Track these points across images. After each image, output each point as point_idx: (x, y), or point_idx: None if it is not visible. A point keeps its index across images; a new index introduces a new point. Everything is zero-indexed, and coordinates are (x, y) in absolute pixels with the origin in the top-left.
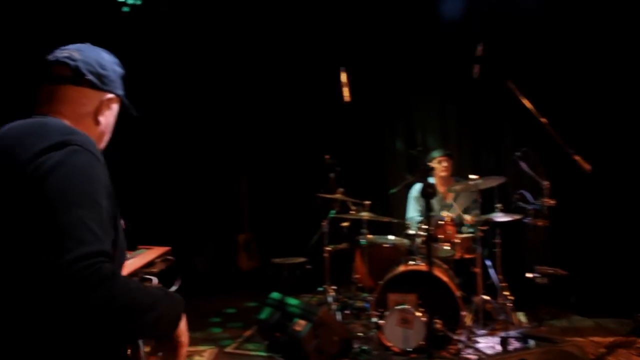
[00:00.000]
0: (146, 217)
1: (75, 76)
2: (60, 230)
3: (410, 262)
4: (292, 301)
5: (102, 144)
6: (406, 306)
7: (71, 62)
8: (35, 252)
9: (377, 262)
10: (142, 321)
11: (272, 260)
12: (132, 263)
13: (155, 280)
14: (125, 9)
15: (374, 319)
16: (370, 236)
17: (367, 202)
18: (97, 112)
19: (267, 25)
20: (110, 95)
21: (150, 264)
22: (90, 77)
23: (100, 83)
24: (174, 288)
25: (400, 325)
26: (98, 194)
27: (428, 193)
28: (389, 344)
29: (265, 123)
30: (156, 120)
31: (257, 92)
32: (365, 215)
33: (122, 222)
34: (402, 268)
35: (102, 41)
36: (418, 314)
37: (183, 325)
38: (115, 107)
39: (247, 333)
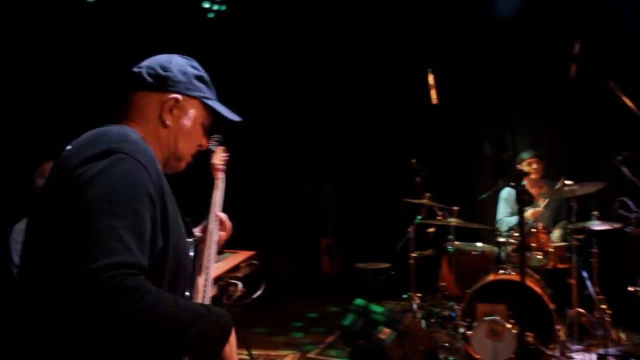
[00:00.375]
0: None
1: (137, 81)
2: (90, 239)
3: (500, 271)
4: (377, 308)
5: (180, 149)
6: (496, 317)
7: (136, 69)
8: (69, 260)
9: (464, 270)
10: (174, 338)
11: (356, 265)
12: (217, 267)
13: (240, 284)
14: (211, 14)
15: (462, 330)
16: (457, 243)
17: (456, 208)
18: (161, 113)
19: (353, 27)
20: (173, 96)
21: (236, 268)
22: (148, 79)
23: (159, 84)
24: (258, 292)
25: (490, 337)
26: (139, 203)
27: (524, 200)
28: (477, 356)
29: (350, 127)
30: (240, 124)
31: (342, 95)
32: (453, 221)
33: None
34: (491, 277)
35: (189, 47)
36: (508, 325)
37: (230, 348)
38: (190, 110)
39: (330, 339)
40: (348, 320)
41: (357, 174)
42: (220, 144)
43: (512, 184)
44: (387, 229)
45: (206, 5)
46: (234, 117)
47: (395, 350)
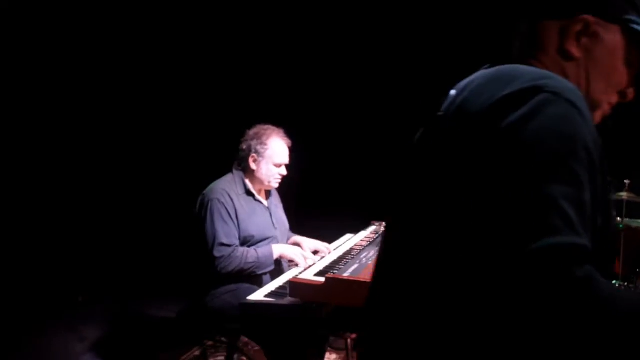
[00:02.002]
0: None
1: (533, 9)
2: (520, 209)
3: None
4: None
5: (594, 91)
6: None
7: None
8: (479, 233)
9: (633, 248)
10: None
11: None
12: None
13: None
14: None
15: None
16: (626, 219)
17: (627, 181)
18: (563, 42)
19: None
20: (582, 17)
21: None
22: (546, 3)
23: (562, 7)
24: None
25: None
26: (578, 164)
27: None
28: None
29: None
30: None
31: None
32: (624, 195)
33: None
34: None
35: None
36: None
37: None
38: (607, 38)
39: None
40: None
41: None
42: None
43: None
44: None
45: None
46: None
47: None
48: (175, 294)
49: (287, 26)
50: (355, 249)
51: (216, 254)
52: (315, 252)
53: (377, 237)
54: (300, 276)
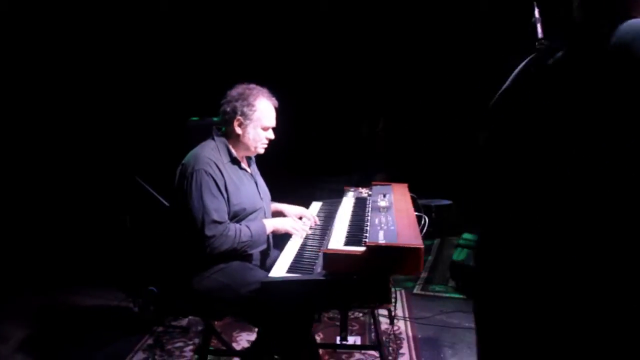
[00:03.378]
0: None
1: None
2: None
3: None
4: None
5: None
6: None
7: None
8: None
9: None
10: None
11: (417, 202)
12: (400, 199)
13: (425, 218)
14: None
15: None
16: None
17: None
18: None
19: None
20: None
21: None
22: None
23: None
24: (425, 226)
25: None
26: None
27: None
28: None
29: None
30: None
31: None
32: None
33: None
34: None
35: None
36: None
37: None
38: None
39: (424, 275)
40: (460, 255)
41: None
42: None
43: None
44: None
45: None
46: None
47: None
48: (105, 281)
49: None
50: (357, 216)
51: (208, 232)
52: (299, 219)
53: (371, 203)
54: (331, 247)
